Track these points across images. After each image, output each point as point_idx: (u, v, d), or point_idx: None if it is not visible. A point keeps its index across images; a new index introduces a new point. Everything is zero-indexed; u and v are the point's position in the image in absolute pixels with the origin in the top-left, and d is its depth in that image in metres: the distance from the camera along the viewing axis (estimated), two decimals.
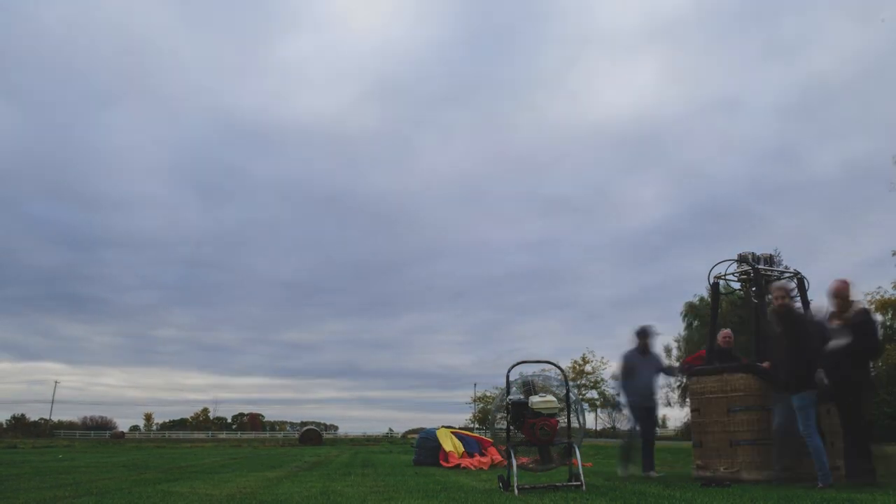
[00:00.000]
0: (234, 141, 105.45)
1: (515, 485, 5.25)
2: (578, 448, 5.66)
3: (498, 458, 10.02)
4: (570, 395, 5.92)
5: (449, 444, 10.89)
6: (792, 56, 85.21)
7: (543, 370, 6.65)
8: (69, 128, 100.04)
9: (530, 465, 5.80)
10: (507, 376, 5.89)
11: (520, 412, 5.65)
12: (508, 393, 5.81)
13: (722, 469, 6.29)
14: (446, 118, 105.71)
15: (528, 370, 6.41)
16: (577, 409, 6.03)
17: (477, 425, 60.23)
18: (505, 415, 5.84)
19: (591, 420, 50.84)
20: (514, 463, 5.40)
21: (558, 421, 5.66)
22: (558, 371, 6.31)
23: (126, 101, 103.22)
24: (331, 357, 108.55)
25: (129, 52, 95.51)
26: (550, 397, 5.66)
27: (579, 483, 5.45)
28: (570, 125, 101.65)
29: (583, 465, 5.63)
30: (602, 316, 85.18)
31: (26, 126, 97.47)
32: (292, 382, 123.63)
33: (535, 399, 5.60)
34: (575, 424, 5.85)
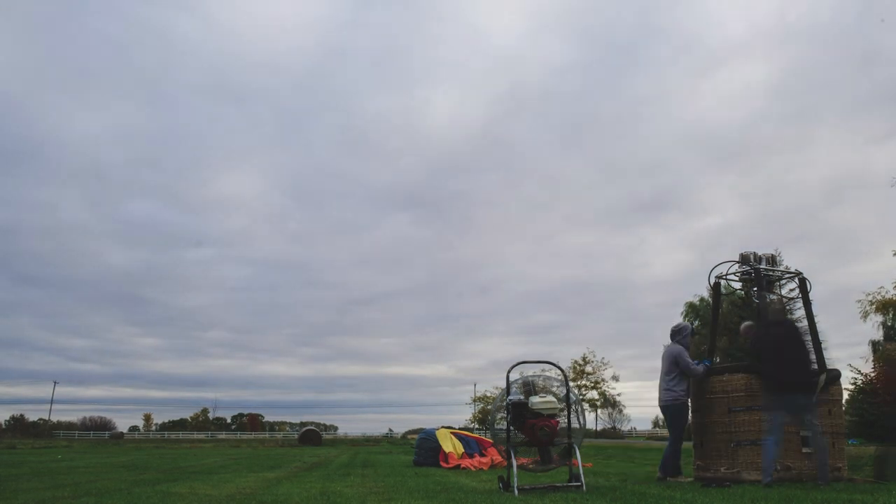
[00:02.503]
0: None
1: (515, 485, 5.20)
2: (579, 448, 5.63)
3: (498, 458, 10.01)
4: (571, 395, 5.90)
5: (449, 444, 10.88)
6: None
7: (543, 370, 6.66)
8: None
9: (530, 466, 5.77)
10: (508, 376, 5.82)
11: (520, 412, 5.61)
12: (508, 393, 5.75)
13: (723, 470, 6.28)
14: None
15: (529, 370, 6.50)
16: (577, 410, 5.98)
17: (477, 425, 60.27)
18: (505, 415, 5.78)
19: (591, 420, 50.84)
20: (514, 463, 5.36)
21: (558, 421, 5.64)
22: (559, 371, 6.24)
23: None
24: None
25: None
26: (551, 398, 5.63)
27: (579, 484, 5.42)
28: None
29: (583, 466, 5.62)
30: None
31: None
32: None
33: (535, 399, 5.58)
34: (575, 425, 5.82)
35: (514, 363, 5.90)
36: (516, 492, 5.17)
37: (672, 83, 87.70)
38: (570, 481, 5.59)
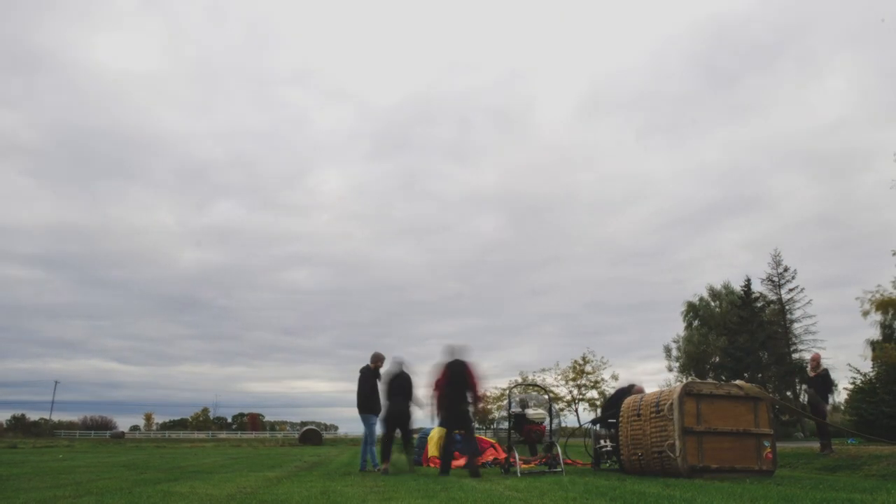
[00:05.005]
0: None
1: (519, 470, 7.61)
2: (557, 445, 8.32)
3: (492, 456, 10.85)
4: (552, 408, 8.67)
5: (434, 448, 10.96)
6: None
7: (537, 391, 10.10)
8: None
9: (529, 465, 7.74)
10: (509, 394, 9.19)
11: (519, 420, 8.20)
12: (510, 406, 8.50)
13: None
14: None
15: (522, 388, 9.64)
16: (557, 418, 8.84)
17: (477, 425, 60.33)
18: (508, 421, 8.34)
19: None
20: (517, 455, 7.80)
21: (546, 427, 8.23)
22: (545, 392, 9.60)
23: None
24: None
25: None
26: (541, 410, 8.33)
27: (560, 469, 7.83)
28: None
29: (583, 465, 6.64)
30: None
31: None
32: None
33: (529, 411, 8.24)
34: (556, 427, 8.58)
35: (513, 385, 7.10)
36: (518, 473, 7.53)
37: None
38: (552, 467, 8.05)
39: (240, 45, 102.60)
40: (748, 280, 41.75)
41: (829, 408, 11.11)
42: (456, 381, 7.62)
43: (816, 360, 11.78)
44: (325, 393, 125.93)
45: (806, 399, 12.49)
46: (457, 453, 10.68)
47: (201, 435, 64.82)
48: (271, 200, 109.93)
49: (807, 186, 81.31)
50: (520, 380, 43.38)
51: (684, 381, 9.40)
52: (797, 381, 37.62)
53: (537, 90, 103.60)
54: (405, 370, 8.53)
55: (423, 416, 8.36)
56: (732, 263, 76.40)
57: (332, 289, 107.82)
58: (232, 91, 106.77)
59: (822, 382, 11.44)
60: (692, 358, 44.10)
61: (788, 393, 37.82)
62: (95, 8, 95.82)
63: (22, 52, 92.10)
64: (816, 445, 12.00)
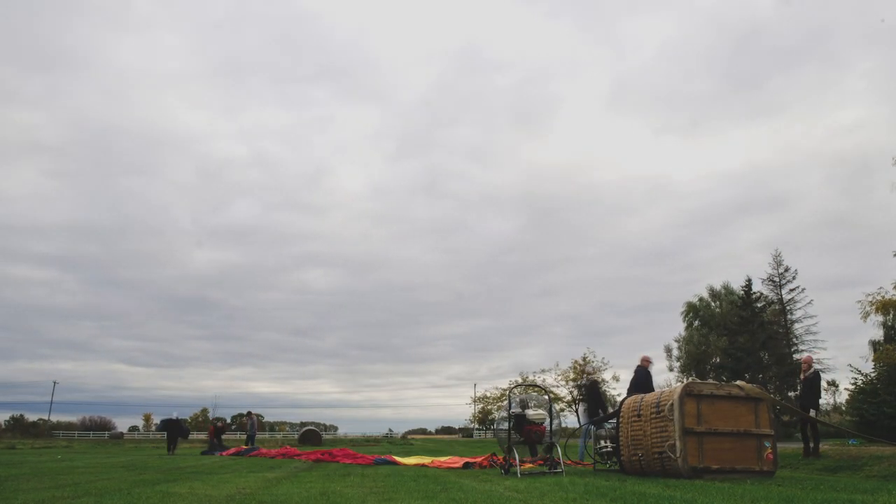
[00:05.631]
0: None
1: (518, 471, 7.45)
2: (558, 445, 8.21)
3: (460, 462, 10.93)
4: (552, 409, 8.56)
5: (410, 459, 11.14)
6: None
7: (537, 391, 9.42)
8: None
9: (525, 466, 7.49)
10: (509, 395, 8.90)
11: (520, 421, 8.13)
12: (510, 406, 8.44)
13: None
14: None
15: (523, 388, 8.96)
16: (557, 418, 8.74)
17: (477, 425, 60.28)
18: (508, 422, 8.27)
19: None
20: (517, 455, 7.71)
21: (546, 427, 8.11)
22: (544, 392, 9.34)
23: None
24: None
25: None
26: (541, 411, 8.22)
27: (560, 470, 7.65)
28: None
29: (582, 465, 6.27)
30: None
31: None
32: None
33: (529, 412, 8.14)
34: (556, 428, 8.46)
35: (514, 385, 6.90)
36: (519, 473, 7.40)
37: None
38: (552, 468, 7.80)
39: (264, 45, 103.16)
40: (749, 280, 41.71)
41: (813, 412, 11.01)
42: None
43: (808, 363, 11.73)
44: (331, 394, 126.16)
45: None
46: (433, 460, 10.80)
47: (201, 435, 64.73)
48: (290, 200, 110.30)
49: (824, 187, 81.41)
50: (520, 380, 43.38)
51: (685, 381, 9.37)
52: (798, 381, 37.57)
53: (558, 91, 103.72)
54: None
55: None
56: (748, 264, 76.93)
57: (344, 289, 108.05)
58: (255, 90, 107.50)
59: (809, 385, 11.40)
60: (693, 358, 44.07)
61: (790, 394, 37.78)
62: (118, 8, 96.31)
63: (43, 51, 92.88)
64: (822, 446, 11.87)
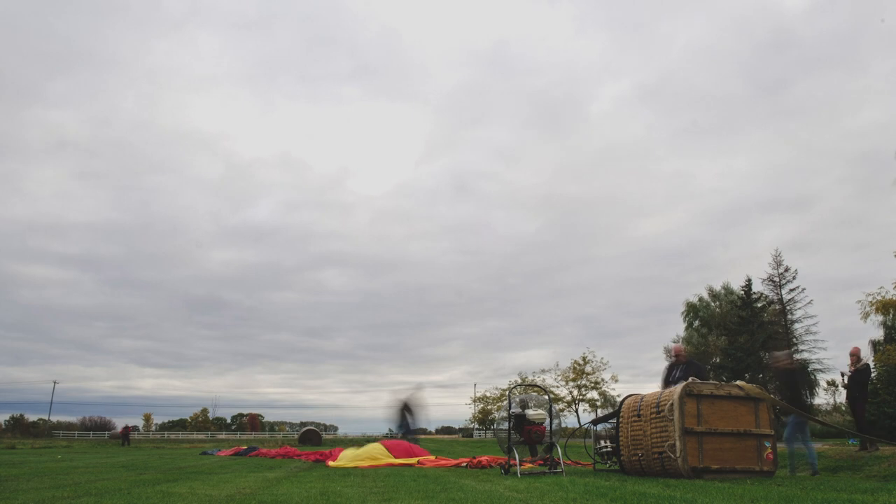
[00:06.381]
0: None
1: (519, 470, 7.45)
2: (558, 445, 8.14)
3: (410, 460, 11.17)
4: (553, 409, 8.49)
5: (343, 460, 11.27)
6: None
7: (537, 391, 9.50)
8: None
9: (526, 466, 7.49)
10: (509, 394, 8.89)
11: (520, 421, 8.10)
12: (510, 406, 8.41)
13: None
14: None
15: (523, 388, 9.08)
16: (557, 418, 8.69)
17: (477, 425, 60.27)
18: (509, 422, 8.28)
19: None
20: (517, 455, 7.65)
21: (546, 427, 8.05)
22: (544, 392, 9.30)
23: None
24: None
25: None
26: (541, 411, 8.18)
27: (560, 470, 7.61)
28: None
29: (583, 465, 6.25)
30: None
31: None
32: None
33: (529, 412, 8.11)
34: (556, 428, 8.42)
35: (514, 385, 6.82)
36: (519, 473, 7.38)
37: None
38: (552, 468, 7.78)
39: (293, 44, 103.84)
40: (749, 280, 41.73)
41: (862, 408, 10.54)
42: None
43: (856, 355, 10.94)
44: (338, 394, 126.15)
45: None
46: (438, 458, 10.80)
47: (200, 435, 64.77)
48: (314, 199, 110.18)
49: (842, 187, 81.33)
50: (519, 380, 43.38)
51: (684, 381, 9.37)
52: (845, 375, 37.47)
53: (584, 91, 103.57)
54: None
55: None
56: (766, 265, 76.47)
57: (359, 289, 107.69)
58: (284, 89, 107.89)
59: (858, 379, 10.73)
60: (692, 358, 44.08)
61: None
62: (148, 7, 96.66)
63: (71, 50, 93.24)
64: (819, 446, 11.67)
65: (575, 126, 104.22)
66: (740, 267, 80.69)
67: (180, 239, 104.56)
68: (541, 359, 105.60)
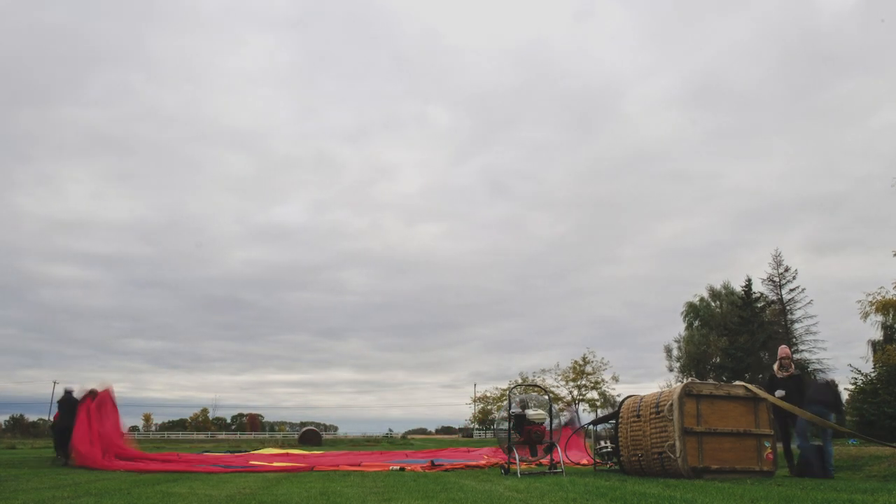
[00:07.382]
0: None
1: (519, 470, 7.52)
2: (557, 446, 8.14)
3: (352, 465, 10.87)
4: (552, 409, 8.60)
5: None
6: None
7: (537, 391, 9.69)
8: None
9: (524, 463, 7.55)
10: (509, 395, 9.02)
11: (520, 421, 8.13)
12: (510, 406, 8.48)
13: None
14: None
15: (523, 388, 9.09)
16: (557, 418, 8.86)
17: (476, 425, 60.27)
18: (509, 422, 8.30)
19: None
20: (517, 456, 7.70)
21: (546, 427, 8.09)
22: (544, 392, 9.42)
23: None
24: None
25: None
26: (541, 411, 8.22)
27: (560, 471, 7.64)
28: None
29: (583, 465, 6.39)
30: None
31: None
32: None
33: (530, 412, 8.14)
34: (556, 428, 8.52)
35: (514, 385, 6.82)
36: (518, 473, 7.41)
37: None
38: (552, 468, 7.87)
39: (333, 42, 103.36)
40: (749, 280, 41.74)
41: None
42: None
43: (788, 357, 10.90)
44: (346, 394, 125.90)
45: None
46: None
47: (200, 436, 64.76)
48: (345, 198, 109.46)
49: (863, 188, 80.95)
50: (520, 381, 43.38)
51: (684, 381, 9.36)
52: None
53: (616, 93, 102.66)
54: None
55: None
56: (787, 264, 76.26)
57: (380, 289, 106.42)
58: (322, 87, 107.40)
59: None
60: (693, 358, 44.08)
61: None
62: (186, 5, 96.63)
63: (107, 48, 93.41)
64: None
65: (606, 126, 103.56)
66: (761, 268, 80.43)
67: (205, 237, 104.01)
68: (550, 360, 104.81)
